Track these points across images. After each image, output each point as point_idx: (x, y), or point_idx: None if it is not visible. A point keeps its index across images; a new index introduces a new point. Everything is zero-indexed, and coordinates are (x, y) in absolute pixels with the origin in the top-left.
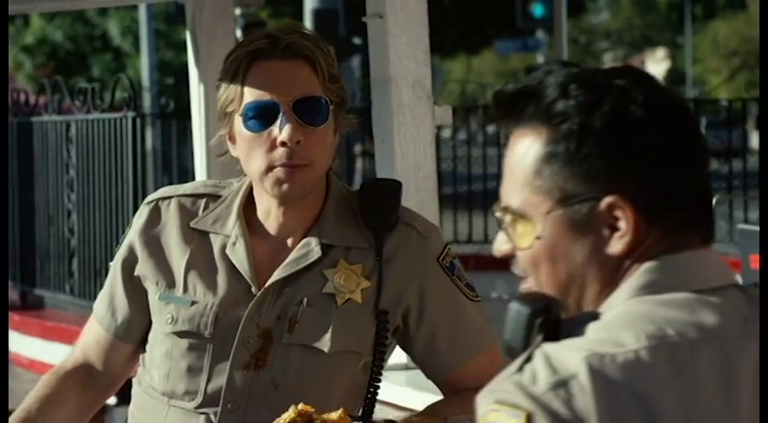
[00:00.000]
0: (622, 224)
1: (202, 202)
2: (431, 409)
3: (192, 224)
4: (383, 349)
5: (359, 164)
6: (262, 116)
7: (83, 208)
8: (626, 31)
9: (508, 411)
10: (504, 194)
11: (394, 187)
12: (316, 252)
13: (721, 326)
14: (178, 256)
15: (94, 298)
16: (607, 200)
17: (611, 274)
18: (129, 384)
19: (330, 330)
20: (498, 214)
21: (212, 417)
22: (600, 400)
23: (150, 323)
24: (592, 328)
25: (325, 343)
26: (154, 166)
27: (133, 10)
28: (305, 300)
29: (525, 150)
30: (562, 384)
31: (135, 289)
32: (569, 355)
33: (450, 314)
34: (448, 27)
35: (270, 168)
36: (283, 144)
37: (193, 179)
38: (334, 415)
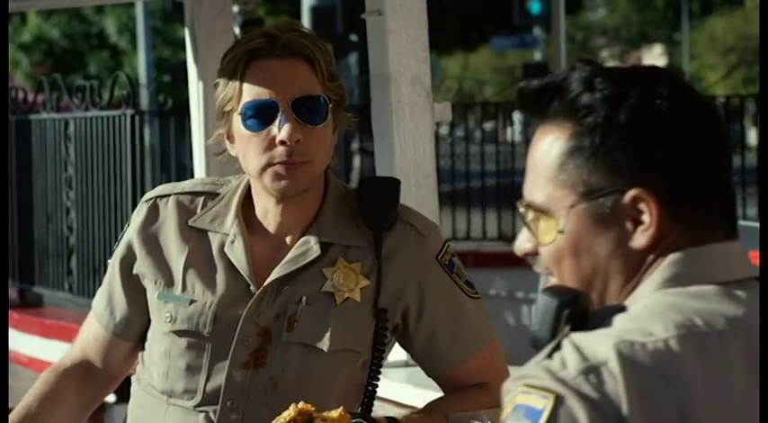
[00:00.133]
0: (646, 217)
1: (200, 199)
2: (431, 406)
3: (190, 222)
4: (382, 348)
5: (356, 161)
6: (261, 115)
7: (81, 205)
8: (623, 28)
9: (537, 394)
10: (527, 191)
11: (393, 185)
12: (314, 250)
13: (748, 317)
14: (176, 254)
15: (93, 296)
16: (631, 193)
17: (635, 268)
18: (128, 382)
19: (329, 329)
20: (522, 210)
21: (212, 415)
22: (630, 385)
23: (149, 321)
24: (619, 319)
25: (324, 342)
26: (152, 164)
27: (130, 7)
28: (304, 298)
29: (549, 146)
30: (592, 370)
31: (133, 287)
32: (598, 342)
33: (449, 312)
34: (444, 24)
35: (269, 165)
36: (283, 143)
37: (192, 177)
38: (335, 413)
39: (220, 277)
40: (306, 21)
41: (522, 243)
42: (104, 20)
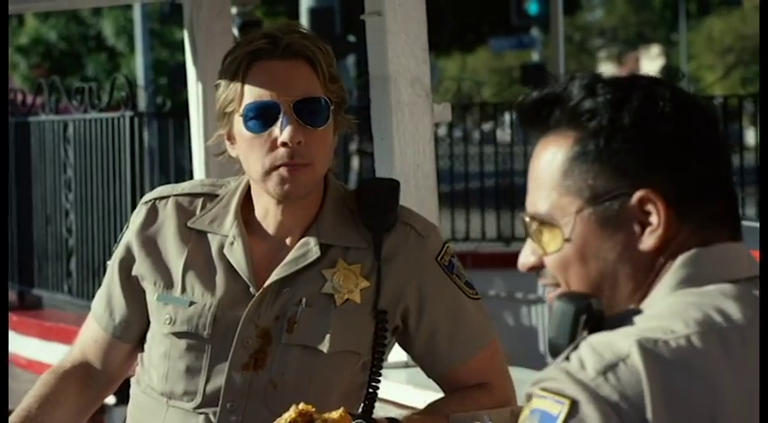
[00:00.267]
0: (654, 219)
1: (200, 201)
2: (432, 407)
3: (189, 224)
4: (382, 349)
5: (355, 163)
6: (262, 117)
7: (80, 207)
8: (621, 29)
9: (552, 399)
10: (530, 204)
11: (392, 187)
12: (314, 252)
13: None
14: (176, 256)
15: (93, 297)
16: (638, 194)
17: (645, 272)
18: (127, 384)
19: (329, 330)
20: (526, 221)
21: (211, 417)
22: (653, 379)
23: (148, 322)
24: (638, 320)
25: (324, 343)
26: (151, 166)
27: (127, 9)
28: (304, 300)
29: (552, 156)
30: (611, 368)
31: (133, 289)
32: (619, 340)
33: (449, 313)
34: (442, 25)
35: (272, 169)
36: (284, 145)
37: (191, 178)
38: (335, 414)
39: (220, 279)
40: (304, 22)
41: (526, 258)
42: (102, 22)
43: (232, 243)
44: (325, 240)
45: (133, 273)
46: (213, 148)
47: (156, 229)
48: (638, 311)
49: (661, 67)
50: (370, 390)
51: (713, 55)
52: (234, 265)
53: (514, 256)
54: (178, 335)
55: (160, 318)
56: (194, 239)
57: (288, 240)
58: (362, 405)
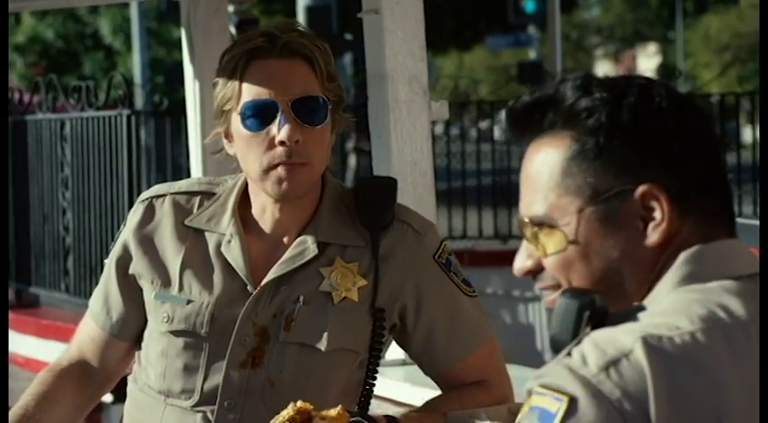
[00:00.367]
0: (657, 214)
1: (197, 199)
2: (429, 404)
3: (186, 222)
4: (379, 347)
5: (352, 161)
6: (260, 115)
7: (78, 206)
8: (617, 27)
9: (551, 396)
10: (524, 207)
11: (389, 185)
12: (312, 250)
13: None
14: (173, 254)
15: (90, 296)
16: (641, 189)
17: (648, 269)
18: (125, 382)
19: (326, 328)
20: (522, 222)
21: (209, 415)
22: (657, 374)
23: (146, 321)
24: (642, 316)
25: (321, 341)
26: (148, 164)
27: (124, 8)
28: (301, 298)
29: (545, 157)
30: (614, 363)
31: (130, 287)
32: (622, 336)
33: (447, 311)
34: (440, 23)
35: (270, 167)
36: (282, 143)
37: (188, 176)
38: (333, 412)
39: (217, 277)
40: (301, 20)
41: (522, 262)
42: (99, 20)
43: (229, 241)
44: (323, 238)
45: (130, 271)
46: (210, 147)
47: (153, 227)
48: (642, 308)
49: (658, 65)
50: (367, 387)
51: (710, 53)
52: (231, 263)
53: (511, 254)
54: (175, 333)
55: (157, 316)
56: (191, 238)
57: (285, 238)
58: (359, 402)
